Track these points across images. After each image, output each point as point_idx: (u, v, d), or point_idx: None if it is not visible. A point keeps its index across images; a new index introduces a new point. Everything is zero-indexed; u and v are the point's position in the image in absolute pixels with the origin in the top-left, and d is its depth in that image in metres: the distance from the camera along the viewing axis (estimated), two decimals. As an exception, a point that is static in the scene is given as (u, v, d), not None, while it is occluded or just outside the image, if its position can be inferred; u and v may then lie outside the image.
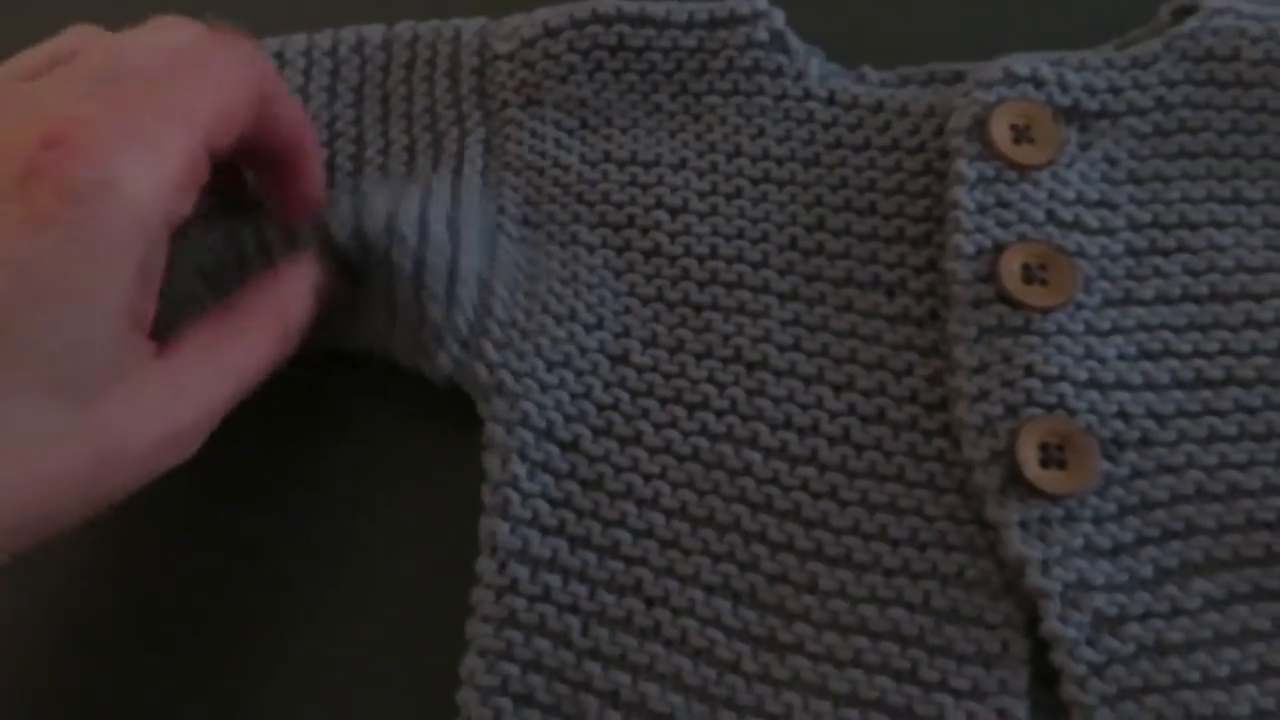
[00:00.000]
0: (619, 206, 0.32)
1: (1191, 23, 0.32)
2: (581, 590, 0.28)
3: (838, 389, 0.30)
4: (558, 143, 0.33)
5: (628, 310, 0.31)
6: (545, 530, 0.29)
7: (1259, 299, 0.30)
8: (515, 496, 0.29)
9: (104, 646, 0.30)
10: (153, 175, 0.23)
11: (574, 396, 0.30)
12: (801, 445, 0.30)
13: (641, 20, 0.33)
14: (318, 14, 0.36)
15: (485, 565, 0.29)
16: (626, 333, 0.31)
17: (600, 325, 0.31)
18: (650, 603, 0.28)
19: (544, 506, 0.29)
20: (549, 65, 0.33)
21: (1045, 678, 0.27)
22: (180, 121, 0.24)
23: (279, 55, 0.34)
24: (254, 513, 0.31)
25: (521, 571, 0.28)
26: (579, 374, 0.30)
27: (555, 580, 0.28)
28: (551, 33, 0.33)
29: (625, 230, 0.32)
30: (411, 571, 0.30)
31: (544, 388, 0.30)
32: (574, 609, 0.28)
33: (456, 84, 0.34)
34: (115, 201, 0.23)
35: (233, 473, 0.32)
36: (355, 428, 0.32)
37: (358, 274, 0.31)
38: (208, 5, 0.37)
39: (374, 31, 0.35)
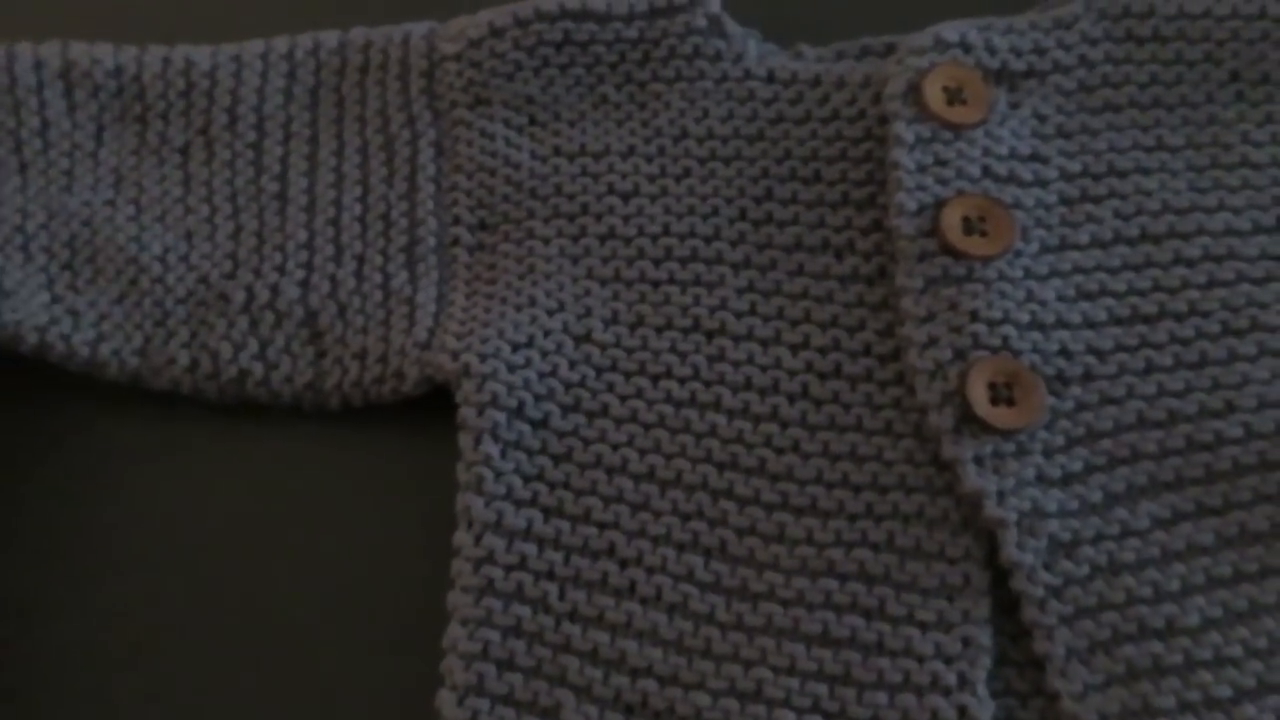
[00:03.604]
0: (571, 197, 0.33)
1: (1108, -17, 0.34)
2: (556, 557, 0.29)
3: (794, 348, 0.31)
4: (507, 141, 0.34)
5: (587, 292, 0.32)
6: (519, 503, 0.30)
7: (1186, 237, 0.31)
8: (488, 474, 0.30)
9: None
10: None
11: (541, 376, 0.31)
12: (763, 404, 0.31)
13: (584, 15, 0.34)
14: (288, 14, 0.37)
15: (462, 538, 0.29)
16: (588, 313, 0.32)
17: (561, 308, 0.32)
18: (624, 564, 0.29)
19: (517, 481, 0.30)
20: (495, 64, 0.34)
21: (1006, 606, 0.28)
22: None
23: (236, 58, 0.35)
24: (238, 494, 0.32)
25: (498, 543, 0.29)
26: (544, 354, 0.31)
27: (530, 549, 0.29)
28: (497, 32, 0.34)
29: (580, 218, 0.33)
30: (393, 549, 0.31)
31: (511, 368, 0.31)
32: (550, 575, 0.29)
33: (406, 86, 0.35)
34: None
35: (227, 454, 0.32)
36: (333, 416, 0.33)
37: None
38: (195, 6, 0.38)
39: (329, 36, 0.36)
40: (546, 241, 0.33)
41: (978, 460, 0.28)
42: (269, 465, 0.32)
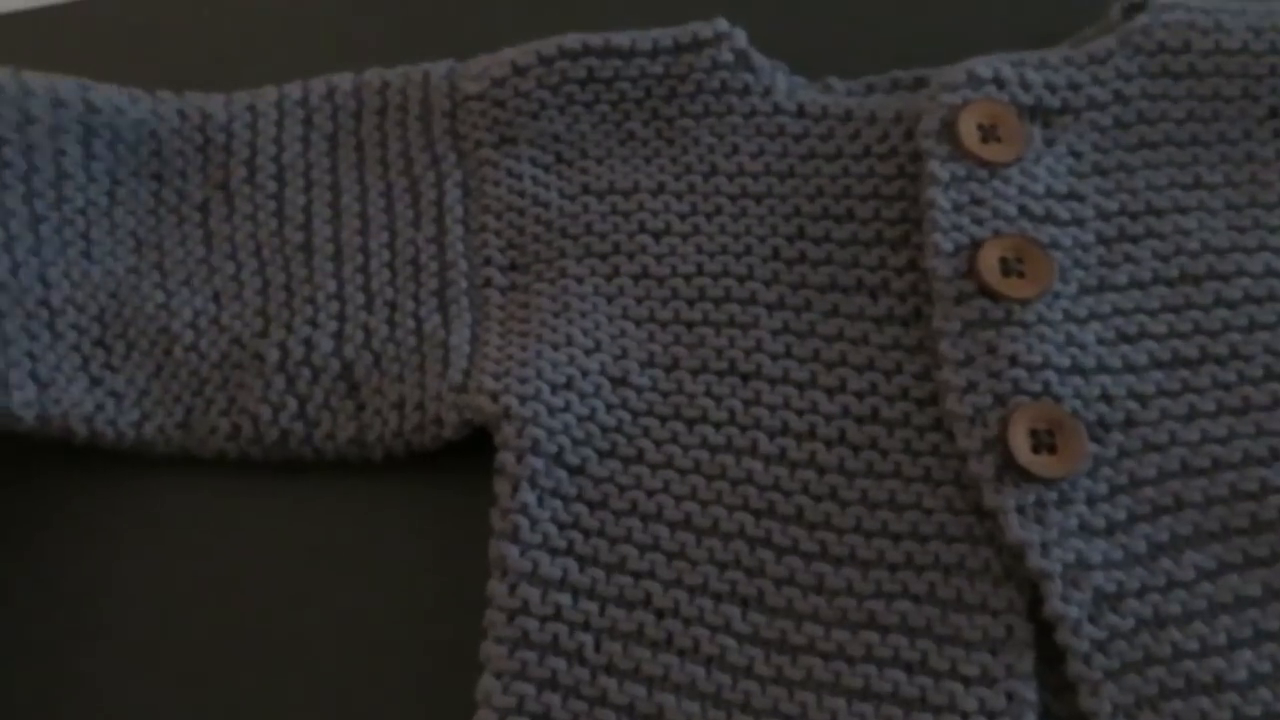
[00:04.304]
0: (602, 236, 0.33)
1: (1142, 19, 0.34)
2: (592, 607, 0.29)
3: (831, 392, 0.31)
4: (535, 180, 0.34)
5: (623, 333, 0.32)
6: (554, 552, 0.29)
7: (1226, 278, 0.31)
8: (524, 522, 0.29)
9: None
10: None
11: (580, 419, 0.30)
12: (800, 450, 0.30)
13: (608, 51, 0.34)
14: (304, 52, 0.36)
15: (496, 588, 0.29)
16: (624, 354, 0.32)
17: (598, 348, 0.32)
18: (660, 614, 0.29)
19: (552, 530, 0.29)
20: (520, 103, 0.34)
21: (1050, 659, 0.27)
22: None
23: (251, 108, 0.35)
24: (268, 544, 0.32)
25: (532, 593, 0.29)
26: (583, 396, 0.31)
27: (566, 599, 0.29)
28: (520, 71, 0.34)
29: (612, 257, 0.33)
30: (423, 595, 0.31)
31: (551, 411, 0.30)
32: (586, 626, 0.29)
33: (429, 127, 0.34)
34: None
35: (260, 504, 0.32)
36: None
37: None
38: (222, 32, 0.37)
39: (344, 80, 0.35)
40: (580, 281, 0.33)
41: (1020, 510, 0.28)
42: (299, 515, 0.32)
